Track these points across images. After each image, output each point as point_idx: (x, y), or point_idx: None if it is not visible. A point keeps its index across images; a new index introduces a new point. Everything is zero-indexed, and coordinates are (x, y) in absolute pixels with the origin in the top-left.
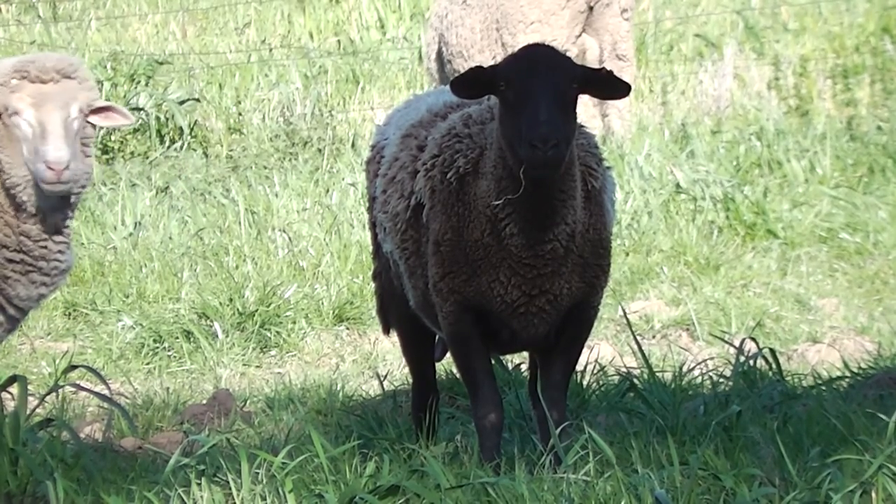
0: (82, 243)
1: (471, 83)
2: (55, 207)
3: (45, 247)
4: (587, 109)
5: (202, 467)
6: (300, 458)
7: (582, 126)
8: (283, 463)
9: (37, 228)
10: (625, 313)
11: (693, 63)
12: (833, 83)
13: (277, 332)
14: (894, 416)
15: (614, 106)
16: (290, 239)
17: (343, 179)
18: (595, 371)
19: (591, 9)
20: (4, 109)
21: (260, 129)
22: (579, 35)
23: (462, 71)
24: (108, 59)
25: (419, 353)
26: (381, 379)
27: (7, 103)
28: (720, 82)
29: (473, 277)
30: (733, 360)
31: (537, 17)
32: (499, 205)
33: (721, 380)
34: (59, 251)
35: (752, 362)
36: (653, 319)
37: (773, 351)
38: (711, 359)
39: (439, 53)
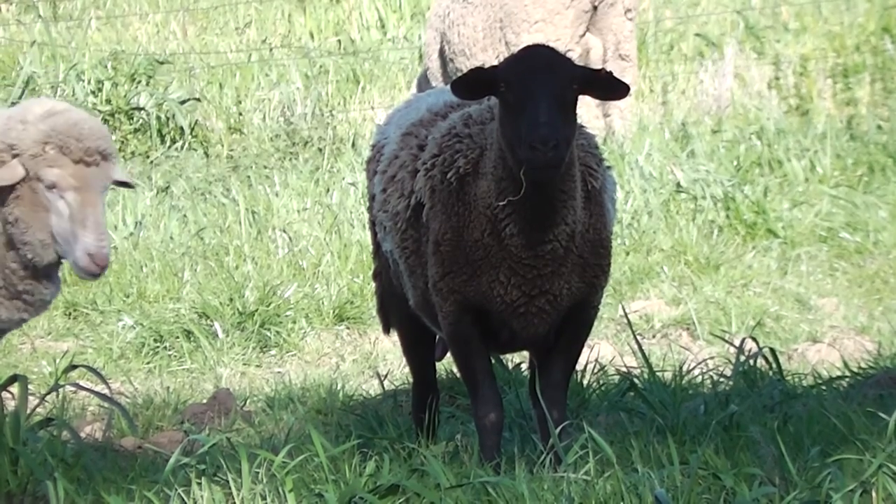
0: None
1: (471, 84)
2: (57, 264)
3: (31, 285)
4: (589, 110)
5: (202, 467)
6: (300, 458)
7: (582, 126)
8: (284, 462)
9: (28, 274)
10: (625, 313)
11: (693, 63)
12: (833, 83)
13: (277, 332)
14: (894, 415)
15: (615, 106)
16: (290, 239)
17: (343, 179)
18: (595, 370)
19: (595, 8)
20: (36, 178)
21: (260, 129)
22: (583, 35)
23: (464, 70)
24: (108, 59)
25: (419, 353)
26: (381, 378)
27: (43, 175)
28: (720, 82)
29: (473, 277)
30: (733, 360)
31: (541, 16)
32: (501, 205)
33: (721, 379)
34: (45, 288)
35: (752, 362)
36: (653, 319)
37: (773, 350)
38: (712, 358)
39: (441, 52)
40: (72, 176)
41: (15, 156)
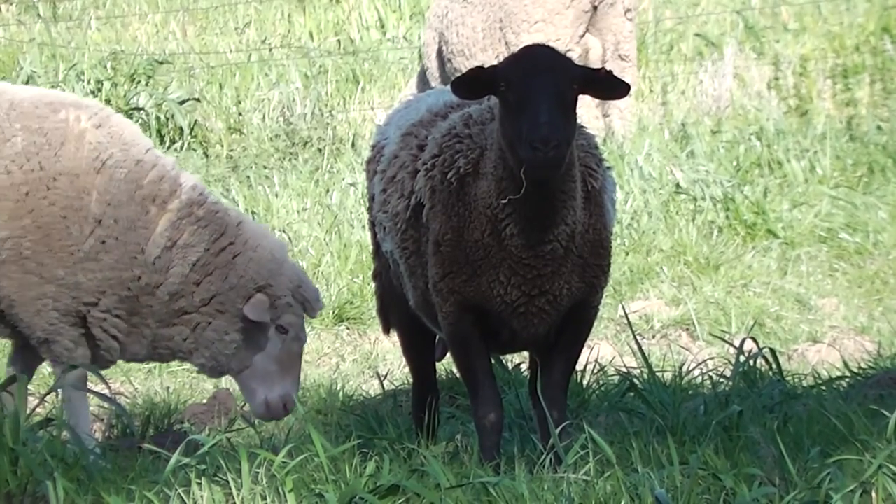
0: None
1: (471, 84)
2: None
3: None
4: (589, 110)
5: (202, 467)
6: (300, 458)
7: (582, 126)
8: (284, 462)
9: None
10: (625, 313)
11: (693, 63)
12: (833, 83)
13: None
14: (894, 415)
15: (615, 106)
16: (290, 239)
17: (343, 179)
18: (595, 371)
19: (595, 8)
20: (273, 318)
21: (260, 129)
22: (583, 35)
23: (464, 70)
24: (108, 59)
25: (419, 353)
26: (381, 379)
27: (284, 320)
28: (720, 82)
29: (473, 277)
30: (733, 360)
31: (541, 16)
32: (502, 204)
33: (721, 380)
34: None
35: (752, 362)
36: (653, 319)
37: (773, 351)
38: (711, 359)
39: (439, 52)
40: (302, 329)
41: (260, 289)
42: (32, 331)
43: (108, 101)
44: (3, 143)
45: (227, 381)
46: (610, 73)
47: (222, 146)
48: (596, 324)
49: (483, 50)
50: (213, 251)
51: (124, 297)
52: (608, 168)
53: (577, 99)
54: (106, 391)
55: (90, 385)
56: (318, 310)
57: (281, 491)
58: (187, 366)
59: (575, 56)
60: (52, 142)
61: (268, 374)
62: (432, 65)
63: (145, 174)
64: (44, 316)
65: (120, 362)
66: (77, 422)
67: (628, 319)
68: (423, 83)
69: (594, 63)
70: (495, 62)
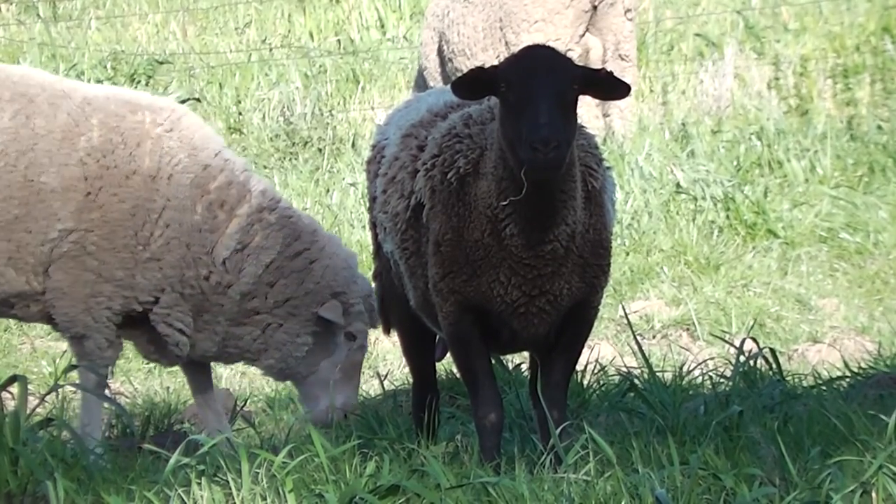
0: None
1: (471, 84)
2: None
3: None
4: (589, 110)
5: (202, 467)
6: (300, 458)
7: (582, 126)
8: (284, 462)
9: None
10: (625, 313)
11: (693, 63)
12: (833, 83)
13: None
14: (894, 415)
15: (615, 106)
16: None
17: (343, 179)
18: (595, 371)
19: (595, 8)
20: (345, 325)
21: (260, 129)
22: (583, 34)
23: (464, 69)
24: (108, 59)
25: (419, 353)
26: (382, 379)
27: (354, 327)
28: (720, 82)
29: (474, 278)
30: (733, 360)
31: (541, 15)
32: (503, 205)
33: (721, 380)
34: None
35: (752, 362)
36: (653, 319)
37: (773, 351)
38: (712, 359)
39: (438, 52)
40: (366, 337)
41: (335, 295)
42: (72, 325)
43: None
44: (78, 137)
45: (227, 382)
46: (610, 73)
47: None
48: (596, 324)
49: (484, 50)
50: (287, 254)
51: (188, 294)
52: (608, 168)
53: (577, 99)
54: (106, 391)
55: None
56: (377, 319)
57: (281, 491)
58: None
59: (575, 56)
60: (128, 142)
61: (331, 382)
62: (431, 64)
63: (212, 179)
64: (93, 313)
65: (120, 363)
66: (90, 421)
67: (628, 319)
68: (423, 85)
69: (594, 63)
70: (496, 62)
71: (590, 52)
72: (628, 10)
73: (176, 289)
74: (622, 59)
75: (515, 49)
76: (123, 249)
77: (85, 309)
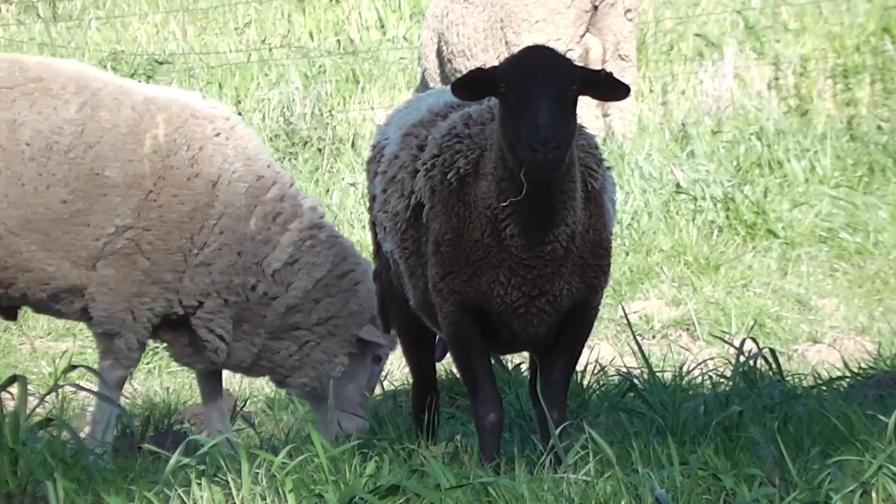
0: None
1: (471, 85)
2: None
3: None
4: (588, 110)
5: (202, 467)
6: (300, 458)
7: (582, 127)
8: (283, 463)
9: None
10: (625, 313)
11: (693, 63)
12: (833, 83)
13: None
14: (894, 415)
15: (615, 106)
16: None
17: (343, 179)
18: (595, 371)
19: (595, 8)
20: (378, 357)
21: (260, 129)
22: (583, 35)
23: (464, 70)
24: (108, 59)
25: (419, 353)
26: (382, 379)
27: (383, 353)
28: (720, 82)
29: (473, 278)
30: (733, 360)
31: (542, 15)
32: (503, 206)
33: (721, 380)
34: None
35: (752, 362)
36: (653, 319)
37: (773, 351)
38: (711, 359)
39: (438, 52)
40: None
41: (373, 319)
42: (109, 321)
43: None
44: (143, 133)
45: (227, 382)
46: (610, 74)
47: None
48: (596, 324)
49: (484, 50)
50: (336, 273)
51: (232, 302)
52: (608, 168)
53: (577, 100)
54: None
55: (90, 385)
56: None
57: (281, 491)
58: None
59: (575, 56)
60: (192, 144)
61: (352, 403)
62: (431, 65)
63: (266, 190)
64: (134, 312)
65: None
66: (101, 419)
67: (628, 320)
68: (423, 86)
69: (594, 63)
70: (496, 62)
71: (590, 52)
72: (628, 11)
73: (222, 295)
74: (622, 59)
75: (516, 50)
76: (177, 252)
77: (127, 307)
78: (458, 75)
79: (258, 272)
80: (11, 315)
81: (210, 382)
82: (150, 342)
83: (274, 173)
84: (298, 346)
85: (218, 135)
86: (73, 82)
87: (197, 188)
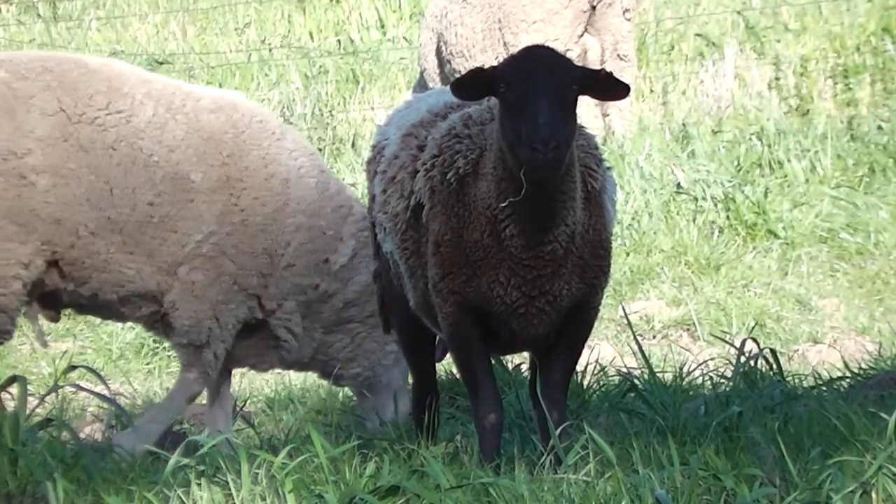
0: None
1: (471, 85)
2: None
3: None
4: (588, 110)
5: (202, 467)
6: (300, 458)
7: (582, 127)
8: (283, 463)
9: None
10: (625, 313)
11: (694, 63)
12: (834, 83)
13: None
14: (894, 416)
15: (615, 106)
16: None
17: (343, 179)
18: (595, 371)
19: (593, 8)
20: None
21: None
22: (581, 35)
23: (463, 70)
24: None
25: (419, 354)
26: None
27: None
28: (721, 82)
29: (473, 278)
30: (734, 361)
31: (540, 16)
32: (503, 206)
33: (722, 380)
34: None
35: (752, 363)
36: (653, 319)
37: (773, 351)
38: (712, 359)
39: (437, 53)
40: None
41: None
42: (195, 331)
43: None
44: (220, 136)
45: None
46: (610, 74)
47: None
48: (596, 324)
49: (483, 51)
50: None
51: (301, 301)
52: (608, 168)
53: (577, 100)
54: (106, 391)
55: (89, 385)
56: None
57: (281, 492)
58: None
59: (573, 56)
60: (262, 143)
61: (400, 388)
62: (430, 66)
63: (329, 184)
64: (221, 320)
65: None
66: (158, 419)
67: (629, 320)
68: (422, 86)
69: (592, 63)
70: (494, 63)
71: (588, 52)
72: (626, 11)
73: (296, 297)
74: (620, 59)
75: (514, 50)
76: (262, 254)
77: (212, 315)
78: (457, 75)
79: (325, 271)
80: (56, 316)
81: (220, 383)
82: (151, 342)
83: (325, 165)
84: (351, 339)
85: (274, 132)
86: (143, 86)
87: (274, 188)
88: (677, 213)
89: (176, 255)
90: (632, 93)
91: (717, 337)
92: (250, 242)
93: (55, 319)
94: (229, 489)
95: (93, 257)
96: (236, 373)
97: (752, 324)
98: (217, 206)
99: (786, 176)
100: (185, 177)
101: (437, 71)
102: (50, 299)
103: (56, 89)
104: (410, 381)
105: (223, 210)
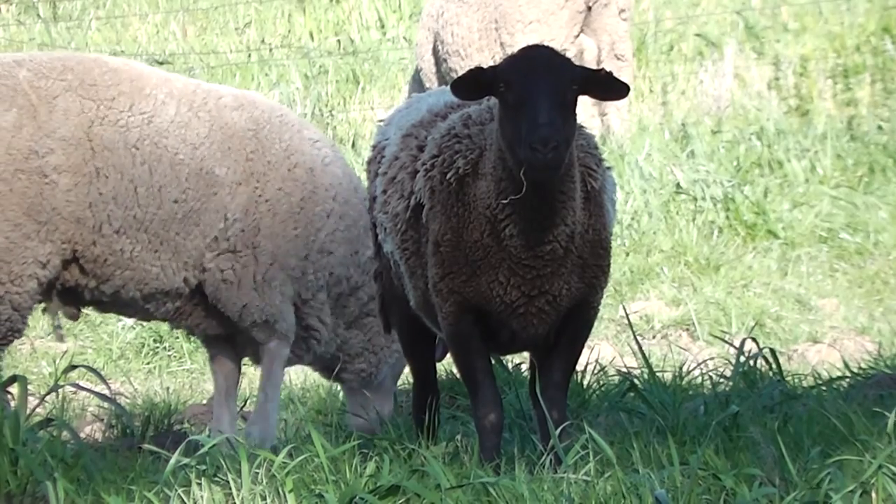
0: None
1: (470, 84)
2: None
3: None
4: (587, 109)
5: (202, 467)
6: (300, 458)
7: (581, 127)
8: (284, 463)
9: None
10: (625, 313)
11: (693, 63)
12: (833, 83)
13: None
14: (894, 415)
15: (614, 106)
16: None
17: None
18: (595, 371)
19: (589, 9)
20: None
21: None
22: (577, 35)
23: (459, 70)
24: None
25: (419, 354)
26: None
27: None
28: (720, 82)
29: (473, 278)
30: (733, 361)
31: (536, 16)
32: (502, 205)
33: (721, 380)
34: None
35: (752, 362)
36: (653, 319)
37: (773, 351)
38: (712, 359)
39: (434, 52)
40: None
41: None
42: (257, 311)
43: None
44: (242, 132)
45: None
46: (610, 73)
47: None
48: (596, 324)
49: (479, 50)
50: None
51: (335, 293)
52: (608, 168)
53: (576, 100)
54: (106, 391)
55: (89, 385)
56: None
57: (281, 491)
58: (187, 366)
59: (570, 56)
60: (283, 136)
61: (388, 389)
62: (426, 65)
63: (353, 175)
64: (270, 297)
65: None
66: (273, 398)
67: (629, 320)
68: (418, 86)
69: (589, 63)
70: (491, 62)
71: (584, 52)
72: (622, 10)
73: (330, 287)
74: (617, 59)
75: (510, 50)
76: (297, 238)
77: (261, 295)
78: (454, 75)
79: (356, 262)
80: (76, 313)
81: (229, 382)
82: (151, 342)
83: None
84: (364, 333)
85: (294, 125)
86: (165, 86)
87: (299, 177)
88: (677, 213)
89: (199, 247)
90: (630, 93)
91: (716, 337)
92: (282, 227)
93: (75, 317)
94: (230, 489)
95: (116, 255)
96: None
97: (752, 324)
98: (242, 197)
99: (785, 176)
100: (210, 172)
101: (434, 70)
102: (71, 296)
103: (78, 89)
104: (411, 380)
105: (248, 201)
